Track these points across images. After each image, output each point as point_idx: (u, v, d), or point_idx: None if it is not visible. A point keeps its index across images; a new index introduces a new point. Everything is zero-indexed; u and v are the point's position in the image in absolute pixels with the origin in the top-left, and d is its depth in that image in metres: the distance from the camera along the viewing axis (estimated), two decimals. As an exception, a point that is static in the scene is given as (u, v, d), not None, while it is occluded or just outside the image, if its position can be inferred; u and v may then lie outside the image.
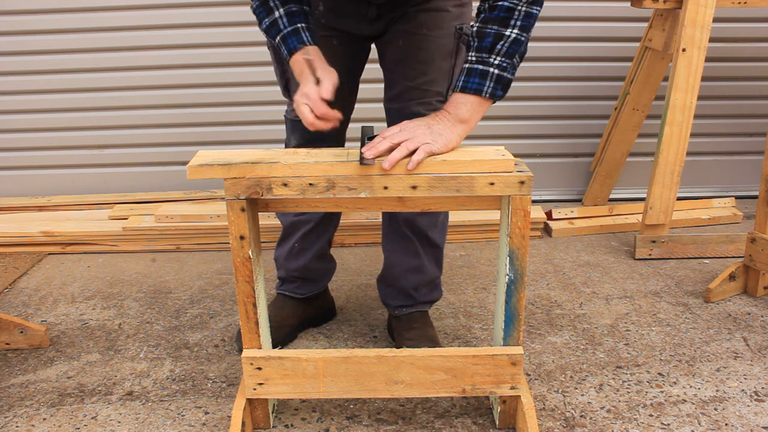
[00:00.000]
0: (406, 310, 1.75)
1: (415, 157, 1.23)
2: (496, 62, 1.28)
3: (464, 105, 1.31)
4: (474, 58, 1.30)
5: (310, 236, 1.75)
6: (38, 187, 2.85)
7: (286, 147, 1.71)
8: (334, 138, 1.60)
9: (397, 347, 1.71)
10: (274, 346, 1.68)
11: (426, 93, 1.56)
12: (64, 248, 2.48)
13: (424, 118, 1.33)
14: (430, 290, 1.77)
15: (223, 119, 2.80)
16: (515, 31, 1.27)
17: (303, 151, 1.31)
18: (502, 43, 1.27)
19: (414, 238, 1.69)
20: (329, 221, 1.78)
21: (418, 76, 1.55)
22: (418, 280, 1.73)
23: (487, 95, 1.30)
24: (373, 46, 1.67)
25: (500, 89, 1.31)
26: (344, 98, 1.62)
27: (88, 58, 2.70)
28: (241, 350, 1.64)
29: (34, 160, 2.84)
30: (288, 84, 1.62)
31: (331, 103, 1.33)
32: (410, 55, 1.54)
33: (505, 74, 1.29)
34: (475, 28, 1.30)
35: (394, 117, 1.62)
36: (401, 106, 1.59)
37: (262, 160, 1.24)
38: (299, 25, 1.38)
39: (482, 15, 1.30)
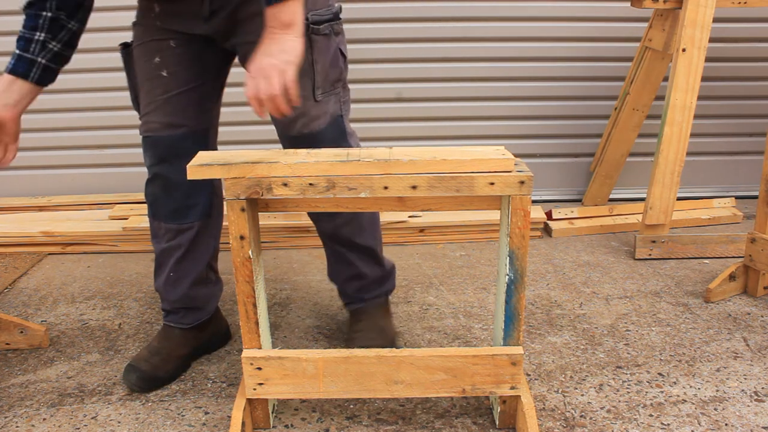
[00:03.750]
0: (355, 306, 1.73)
1: (293, 95, 1.24)
2: None
3: (281, 13, 1.25)
4: None
5: (183, 263, 1.61)
6: (38, 187, 2.85)
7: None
8: (193, 154, 1.38)
9: (347, 343, 1.71)
10: (165, 382, 1.61)
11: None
12: (64, 248, 2.48)
13: (261, 50, 1.27)
14: (379, 286, 1.73)
15: (223, 119, 2.78)
16: None
17: (303, 151, 1.31)
18: None
19: (342, 249, 1.66)
20: (204, 244, 1.63)
21: None
22: (359, 284, 1.71)
23: None
24: None
25: None
26: (199, 102, 1.55)
27: (88, 58, 2.70)
28: (136, 387, 1.59)
29: (34, 160, 2.84)
30: (138, 98, 1.58)
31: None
32: None
33: None
34: None
35: (283, 142, 1.55)
36: (280, 125, 1.51)
37: (262, 160, 1.24)
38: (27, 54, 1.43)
39: None
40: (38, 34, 1.43)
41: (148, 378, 1.59)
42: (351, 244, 1.65)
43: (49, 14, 1.43)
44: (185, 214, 1.57)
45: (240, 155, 1.28)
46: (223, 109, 2.75)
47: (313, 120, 1.50)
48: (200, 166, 1.23)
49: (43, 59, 1.45)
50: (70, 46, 1.49)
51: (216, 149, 1.66)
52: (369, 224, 1.67)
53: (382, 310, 1.75)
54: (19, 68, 1.43)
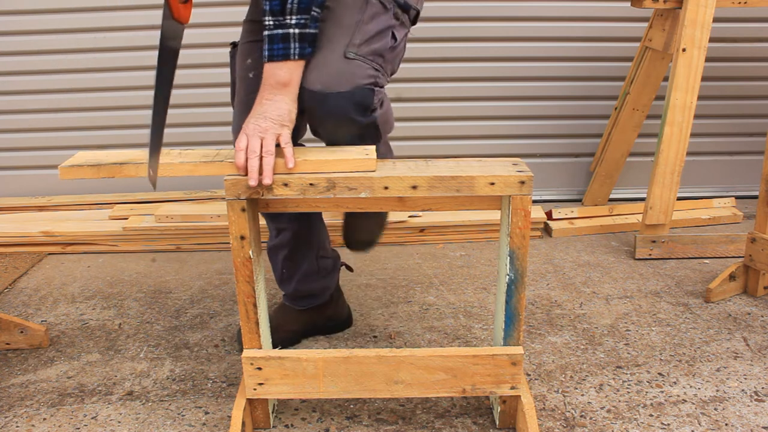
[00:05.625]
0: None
1: (288, 156, 1.24)
2: (293, 22, 1.23)
3: (279, 70, 1.26)
4: (272, 23, 1.24)
5: (290, 261, 1.69)
6: (38, 187, 2.85)
7: None
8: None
9: (347, 238, 1.70)
10: (274, 347, 1.66)
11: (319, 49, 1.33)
12: (64, 248, 2.48)
13: (254, 107, 1.29)
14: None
15: (223, 119, 2.80)
16: None
17: (175, 151, 1.34)
18: (291, 1, 1.22)
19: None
20: (306, 243, 1.67)
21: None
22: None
23: (297, 57, 1.26)
24: None
25: (308, 46, 1.26)
26: None
27: (88, 58, 2.70)
28: (241, 349, 1.63)
29: (34, 160, 2.84)
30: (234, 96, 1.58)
31: None
32: None
33: (307, 30, 1.24)
34: None
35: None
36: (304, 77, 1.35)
37: (130, 161, 1.27)
38: None
39: None
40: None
41: None
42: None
43: None
44: (277, 215, 1.63)
45: (112, 156, 1.31)
46: (223, 109, 2.77)
47: (332, 76, 1.29)
48: (71, 166, 1.26)
49: None
50: None
51: None
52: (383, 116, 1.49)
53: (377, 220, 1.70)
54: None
